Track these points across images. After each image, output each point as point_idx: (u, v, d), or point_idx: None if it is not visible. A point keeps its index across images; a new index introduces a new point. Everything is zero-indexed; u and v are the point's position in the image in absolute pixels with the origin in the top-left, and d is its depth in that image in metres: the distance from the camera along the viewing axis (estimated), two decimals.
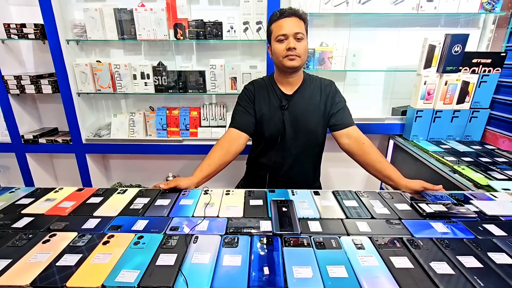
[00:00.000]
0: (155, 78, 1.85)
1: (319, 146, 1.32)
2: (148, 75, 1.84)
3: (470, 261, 0.70)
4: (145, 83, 1.86)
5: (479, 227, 0.83)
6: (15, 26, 1.70)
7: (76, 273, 0.66)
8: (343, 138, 1.24)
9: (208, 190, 1.05)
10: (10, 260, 0.70)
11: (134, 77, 1.85)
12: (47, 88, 1.80)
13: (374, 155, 1.17)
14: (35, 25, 1.70)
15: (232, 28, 1.74)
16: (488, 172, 1.27)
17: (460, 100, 1.68)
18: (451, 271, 0.67)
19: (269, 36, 1.22)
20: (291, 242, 0.77)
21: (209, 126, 1.96)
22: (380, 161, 1.16)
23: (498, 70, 1.64)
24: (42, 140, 1.92)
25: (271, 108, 1.25)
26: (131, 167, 2.24)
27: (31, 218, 0.88)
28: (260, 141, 1.31)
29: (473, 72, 1.65)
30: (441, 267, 0.68)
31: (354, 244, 0.76)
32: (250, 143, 1.37)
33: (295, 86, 1.25)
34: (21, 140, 1.91)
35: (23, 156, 1.96)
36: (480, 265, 0.69)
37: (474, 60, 1.63)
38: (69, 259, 0.70)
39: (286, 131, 1.24)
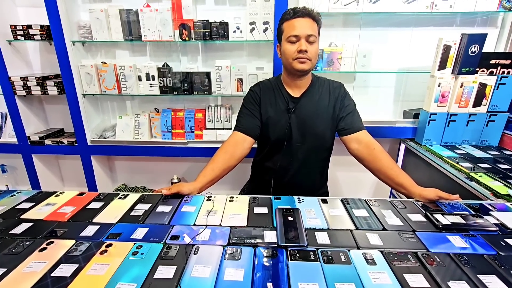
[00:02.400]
0: (160, 80, 1.83)
1: (327, 150, 1.27)
2: (153, 76, 1.82)
3: (492, 281, 0.64)
4: (150, 84, 1.84)
5: (501, 242, 0.77)
6: (21, 28, 1.70)
7: (71, 285, 0.63)
8: (353, 143, 1.18)
9: (211, 196, 1.01)
10: (5, 270, 0.67)
11: (139, 78, 1.83)
12: (52, 89, 1.80)
13: (385, 161, 1.12)
14: (41, 26, 1.70)
15: (238, 28, 1.70)
16: (508, 180, 1.19)
17: (477, 103, 1.60)
18: None
19: (280, 35, 1.16)
20: (297, 255, 0.72)
21: (215, 128, 1.93)
22: (391, 168, 1.10)
23: None
24: (48, 142, 1.92)
25: (277, 111, 1.20)
26: (136, 168, 2.23)
27: (30, 224, 0.86)
28: (265, 144, 1.27)
29: (491, 73, 1.58)
30: None
31: (365, 258, 0.71)
32: (255, 145, 1.33)
33: (302, 89, 1.21)
34: (27, 141, 1.92)
35: (29, 157, 1.97)
36: (504, 286, 0.63)
37: (492, 61, 1.56)
38: (65, 270, 0.67)
39: (293, 135, 1.20)
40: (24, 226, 0.85)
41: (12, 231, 0.82)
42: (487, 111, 1.62)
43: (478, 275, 0.66)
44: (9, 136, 1.96)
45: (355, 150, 1.19)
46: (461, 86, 1.57)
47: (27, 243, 0.77)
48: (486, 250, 0.75)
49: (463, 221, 0.86)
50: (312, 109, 1.19)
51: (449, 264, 0.69)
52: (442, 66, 1.57)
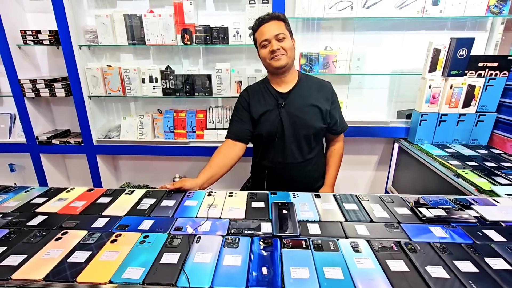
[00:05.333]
0: (163, 82, 1.90)
1: (319, 142, 1.37)
2: (156, 78, 1.89)
3: (466, 266, 0.71)
4: (153, 86, 1.91)
5: (478, 232, 0.84)
6: (31, 33, 1.78)
7: (86, 269, 0.70)
8: (331, 140, 1.43)
9: (212, 192, 1.08)
10: (25, 256, 0.75)
11: (143, 80, 1.90)
12: (60, 92, 1.87)
13: (333, 158, 1.42)
14: (50, 31, 1.78)
15: (237, 32, 1.77)
16: (492, 177, 1.26)
17: (466, 104, 1.67)
18: (446, 275, 0.68)
19: (255, 44, 1.28)
20: (290, 243, 0.79)
21: (215, 129, 2.00)
22: (331, 165, 1.41)
23: (505, 73, 1.62)
24: (55, 141, 1.99)
25: (267, 107, 1.28)
26: (139, 167, 2.30)
27: (45, 217, 0.93)
28: (259, 142, 1.34)
29: (479, 75, 1.64)
30: (437, 271, 0.69)
31: (352, 247, 0.78)
32: (251, 145, 1.40)
33: (290, 85, 1.28)
34: (36, 141, 1.99)
35: (38, 156, 2.04)
36: (476, 270, 0.70)
37: (480, 64, 1.62)
38: (80, 256, 0.75)
39: (285, 129, 1.26)
40: (39, 219, 0.92)
41: (29, 223, 0.90)
42: (476, 112, 1.68)
43: (453, 261, 0.73)
44: (18, 136, 2.04)
45: (328, 143, 1.45)
46: (451, 87, 1.64)
47: (43, 233, 0.84)
48: (463, 239, 0.81)
49: (446, 214, 0.93)
50: (301, 102, 1.27)
51: (428, 252, 0.76)
52: (433, 68, 1.64)
